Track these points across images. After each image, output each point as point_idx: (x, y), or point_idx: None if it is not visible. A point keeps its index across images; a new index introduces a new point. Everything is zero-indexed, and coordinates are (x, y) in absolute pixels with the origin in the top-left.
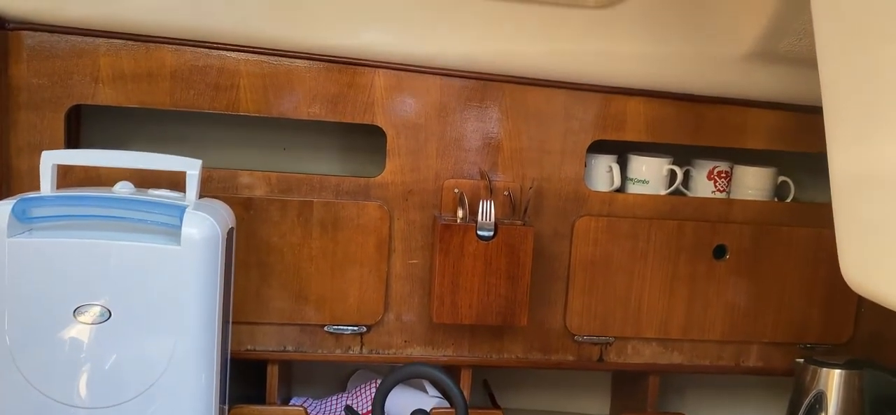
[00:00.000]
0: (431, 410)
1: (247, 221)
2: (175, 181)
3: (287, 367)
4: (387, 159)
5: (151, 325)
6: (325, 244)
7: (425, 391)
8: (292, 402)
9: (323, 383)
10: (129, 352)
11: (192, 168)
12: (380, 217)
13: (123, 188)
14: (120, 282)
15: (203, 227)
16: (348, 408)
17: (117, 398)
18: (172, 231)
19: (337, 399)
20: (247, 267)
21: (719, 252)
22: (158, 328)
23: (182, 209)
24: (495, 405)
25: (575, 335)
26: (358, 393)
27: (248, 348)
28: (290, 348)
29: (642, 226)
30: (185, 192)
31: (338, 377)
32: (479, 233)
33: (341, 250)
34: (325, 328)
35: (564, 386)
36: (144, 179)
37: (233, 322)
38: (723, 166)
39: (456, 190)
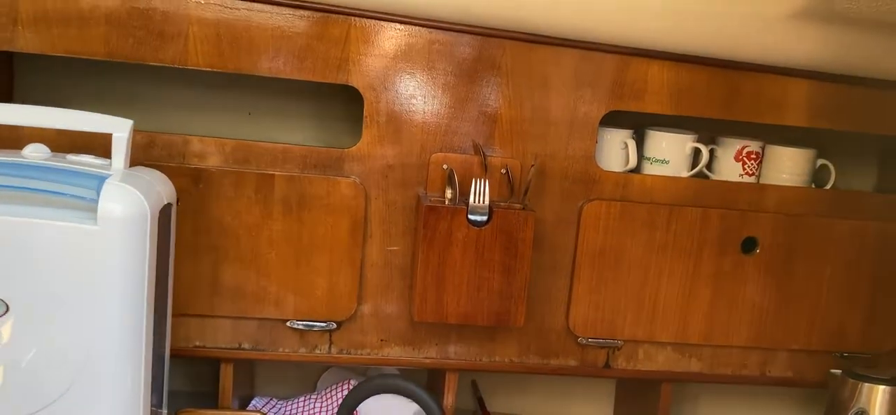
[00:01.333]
0: None
1: (196, 196)
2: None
3: (248, 364)
4: (363, 128)
5: (62, 320)
6: (289, 226)
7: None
8: (253, 403)
9: (290, 382)
10: (35, 353)
11: (119, 130)
12: (354, 196)
13: (35, 152)
14: (21, 268)
15: (127, 201)
16: None
17: (19, 410)
18: (89, 206)
19: (305, 400)
20: (196, 251)
21: (748, 246)
22: (71, 324)
23: (101, 179)
24: (484, 411)
25: (579, 337)
26: (329, 395)
27: (197, 344)
28: (246, 345)
29: (661, 213)
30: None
31: (308, 376)
32: (471, 217)
33: (307, 234)
34: (288, 324)
35: (561, 391)
36: (74, 143)
37: (180, 315)
38: (753, 146)
39: (444, 166)
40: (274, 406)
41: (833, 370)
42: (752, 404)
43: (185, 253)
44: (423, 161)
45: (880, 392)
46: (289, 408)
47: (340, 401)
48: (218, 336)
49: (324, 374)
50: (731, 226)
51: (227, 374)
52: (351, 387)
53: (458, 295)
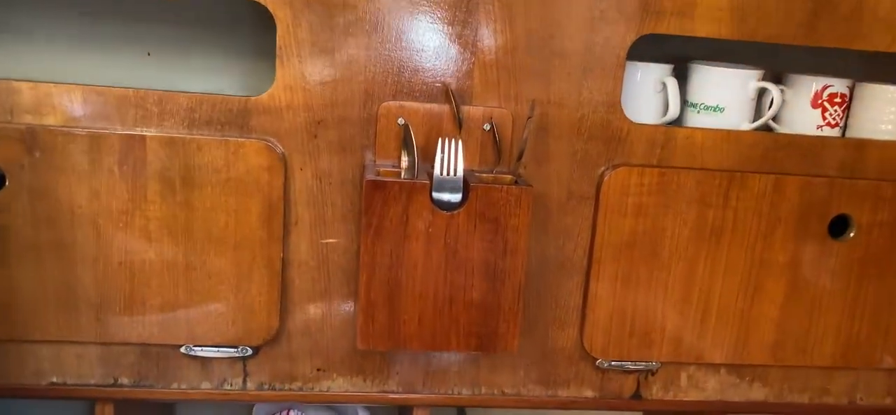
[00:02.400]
0: None
1: (31, 169)
2: None
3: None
4: (277, 65)
5: None
6: (173, 212)
7: None
8: None
9: (219, 409)
10: None
11: None
12: (268, 166)
13: None
14: None
15: None
16: None
17: None
18: None
19: None
20: (38, 251)
21: (839, 227)
22: None
23: None
24: None
25: (597, 359)
26: None
27: (54, 381)
28: (125, 381)
29: (715, 183)
30: None
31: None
32: (437, 196)
33: (200, 223)
34: (183, 350)
35: None
36: None
37: (23, 341)
38: (837, 85)
39: (400, 120)
40: None
41: None
42: None
43: (22, 254)
44: (368, 114)
45: None
46: None
47: None
48: (83, 369)
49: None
50: (815, 199)
51: None
52: None
53: (419, 311)
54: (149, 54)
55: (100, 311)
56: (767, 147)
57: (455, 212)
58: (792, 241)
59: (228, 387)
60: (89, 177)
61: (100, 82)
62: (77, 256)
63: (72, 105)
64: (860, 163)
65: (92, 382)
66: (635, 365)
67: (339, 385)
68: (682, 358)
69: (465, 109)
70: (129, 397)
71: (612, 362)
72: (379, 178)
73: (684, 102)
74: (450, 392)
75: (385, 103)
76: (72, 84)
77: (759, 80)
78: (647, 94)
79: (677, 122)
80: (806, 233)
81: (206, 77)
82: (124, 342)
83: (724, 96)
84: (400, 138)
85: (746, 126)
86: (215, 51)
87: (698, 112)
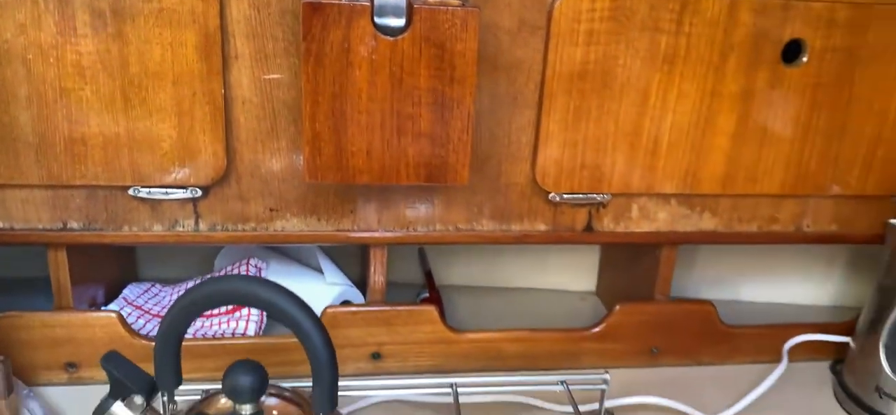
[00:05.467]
0: (325, 310)
1: None
2: None
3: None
4: None
5: None
6: (106, 47)
7: (319, 272)
8: (125, 292)
9: (181, 262)
10: None
11: None
12: None
13: None
14: None
15: None
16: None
17: None
18: None
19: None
20: None
21: (792, 52)
22: None
23: None
24: (433, 289)
25: (549, 193)
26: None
27: (1, 226)
28: (74, 224)
29: (669, 7)
30: None
31: (206, 253)
32: (379, 21)
33: (135, 56)
34: (131, 192)
35: (531, 259)
36: None
37: None
38: None
39: None
40: (154, 294)
41: (894, 220)
42: (778, 272)
43: None
44: None
45: None
46: (175, 294)
47: None
48: (29, 214)
49: (223, 250)
50: (769, 24)
51: (58, 263)
52: (253, 267)
53: (367, 142)
54: None
55: (39, 152)
56: None
57: (399, 37)
58: (744, 69)
59: (181, 229)
60: (11, 10)
61: None
62: (9, 94)
63: None
64: None
65: (40, 226)
66: (587, 198)
67: (293, 225)
68: (633, 190)
69: None
70: (79, 241)
71: (564, 196)
72: (317, 0)
73: None
74: (405, 230)
75: None
76: None
77: None
78: None
79: None
80: (759, 60)
81: None
82: (69, 185)
83: None
84: None
85: None
86: None
87: None
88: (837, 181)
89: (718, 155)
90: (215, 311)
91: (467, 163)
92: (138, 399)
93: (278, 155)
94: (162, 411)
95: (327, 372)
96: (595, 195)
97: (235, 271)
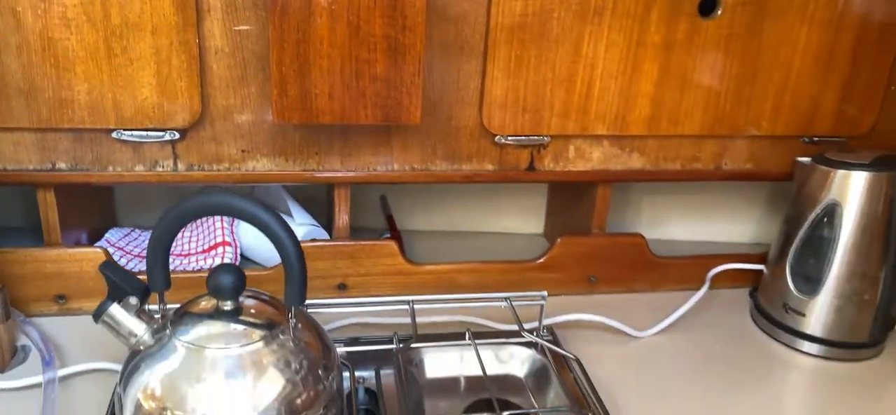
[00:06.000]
0: None
1: None
2: None
3: (96, 190)
4: None
5: None
6: None
7: (289, 215)
8: (107, 236)
9: (157, 208)
10: None
11: None
12: None
13: None
14: None
15: None
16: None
17: None
18: None
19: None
20: None
21: (708, 5)
22: None
23: None
24: (394, 230)
25: (495, 135)
26: (203, 220)
27: None
28: (62, 165)
29: None
30: None
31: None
32: None
33: (117, 9)
34: (114, 135)
35: (484, 202)
36: None
37: None
38: None
39: None
40: (135, 237)
41: (800, 158)
42: (703, 210)
43: None
44: None
45: (856, 180)
46: None
47: (220, 228)
48: (20, 155)
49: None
50: None
51: (47, 203)
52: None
53: (329, 85)
54: None
55: (29, 98)
56: None
57: None
58: (666, 20)
59: (161, 169)
60: None
61: None
62: (0, 43)
63: None
64: None
65: (30, 167)
66: (529, 139)
67: (263, 165)
68: (570, 132)
69: None
70: (67, 180)
71: (509, 138)
72: None
73: None
74: (366, 170)
75: None
76: None
77: None
78: None
79: None
80: (678, 12)
81: None
82: (57, 128)
83: None
84: None
85: None
86: None
87: None
88: (751, 123)
89: (644, 100)
90: (192, 249)
91: (419, 104)
92: (133, 300)
93: (249, 100)
94: (155, 310)
95: (297, 270)
96: (536, 137)
97: (209, 217)
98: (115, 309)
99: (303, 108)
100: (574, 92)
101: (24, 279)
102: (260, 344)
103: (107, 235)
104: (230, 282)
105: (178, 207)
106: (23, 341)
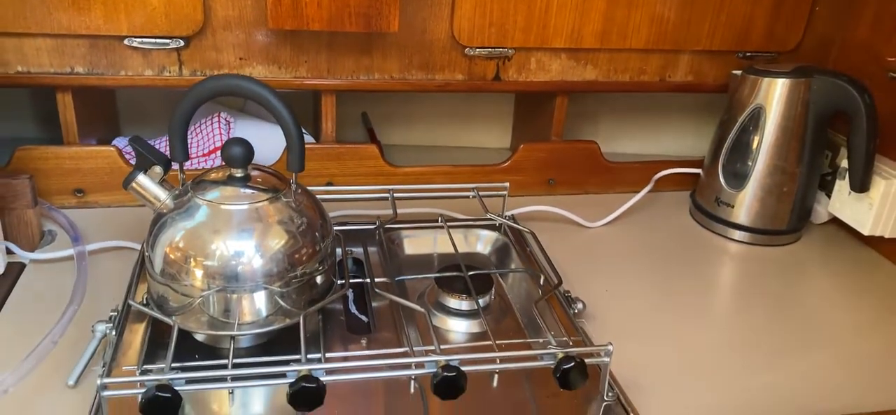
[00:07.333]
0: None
1: None
2: None
3: (103, 100)
4: None
5: None
6: None
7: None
8: (115, 142)
9: (157, 119)
10: None
11: None
12: None
13: None
14: None
15: None
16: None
17: None
18: None
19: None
20: None
21: None
22: None
23: None
24: (375, 141)
25: (465, 48)
26: (203, 128)
27: (19, 70)
28: (80, 69)
29: None
30: None
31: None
32: None
33: None
34: (126, 42)
35: (457, 116)
36: None
37: None
38: None
39: None
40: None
41: (734, 71)
42: (651, 121)
43: None
44: None
45: (779, 86)
46: (158, 147)
47: (218, 134)
48: (42, 59)
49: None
50: None
51: (66, 104)
52: (223, 120)
53: None
54: None
55: (50, 6)
56: None
57: None
58: None
59: (167, 74)
60: None
61: None
62: None
63: None
64: None
65: (51, 70)
66: (495, 51)
67: (258, 72)
68: (531, 45)
69: None
70: (84, 83)
71: (477, 49)
72: None
73: None
74: (349, 78)
75: None
76: None
77: None
78: None
79: None
80: None
81: None
82: (75, 34)
83: None
84: None
85: None
86: None
87: None
88: (691, 40)
89: (597, 15)
90: (194, 153)
91: (397, 13)
92: (158, 169)
93: (244, 16)
94: (177, 177)
95: (296, 139)
96: (501, 49)
97: (208, 125)
98: (142, 178)
99: (294, 15)
100: (534, 9)
101: (47, 174)
102: (267, 203)
103: (114, 142)
104: (241, 151)
105: (195, 88)
106: (48, 226)
